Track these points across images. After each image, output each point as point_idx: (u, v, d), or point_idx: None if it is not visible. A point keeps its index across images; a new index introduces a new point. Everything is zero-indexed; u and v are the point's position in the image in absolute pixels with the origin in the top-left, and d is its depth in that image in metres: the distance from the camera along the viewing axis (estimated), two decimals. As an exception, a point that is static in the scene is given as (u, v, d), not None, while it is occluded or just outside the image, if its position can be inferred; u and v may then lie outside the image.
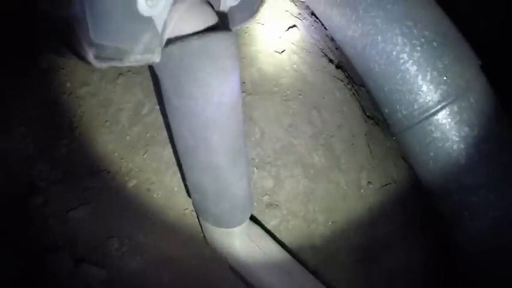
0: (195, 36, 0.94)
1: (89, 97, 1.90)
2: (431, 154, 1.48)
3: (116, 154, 1.77)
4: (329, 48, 2.43)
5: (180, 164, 1.73)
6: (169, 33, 0.95)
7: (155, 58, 0.95)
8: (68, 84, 1.97)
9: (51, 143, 1.83)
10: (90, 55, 0.79)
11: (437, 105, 1.38)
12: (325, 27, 2.44)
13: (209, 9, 1.04)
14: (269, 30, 2.27)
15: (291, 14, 2.44)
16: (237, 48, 1.02)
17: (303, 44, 2.35)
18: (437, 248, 1.89)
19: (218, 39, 0.96)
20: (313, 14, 2.50)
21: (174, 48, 0.94)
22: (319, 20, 2.48)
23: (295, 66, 2.20)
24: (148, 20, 0.88)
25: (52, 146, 1.83)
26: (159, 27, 0.93)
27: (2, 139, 1.85)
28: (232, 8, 1.17)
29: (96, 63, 0.81)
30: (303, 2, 2.52)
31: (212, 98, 1.00)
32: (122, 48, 0.85)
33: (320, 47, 2.41)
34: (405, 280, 1.89)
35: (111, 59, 0.85)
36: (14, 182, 1.76)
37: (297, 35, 2.35)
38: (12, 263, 1.59)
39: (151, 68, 1.94)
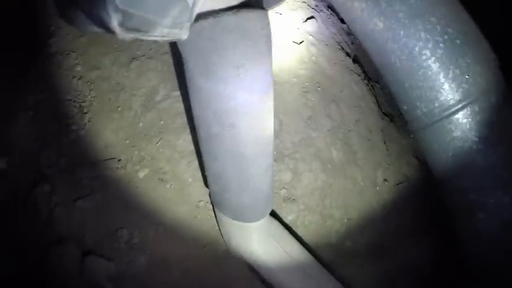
0: (230, 12, 0.86)
1: (100, 81, 1.84)
2: (450, 153, 1.43)
3: (127, 141, 1.70)
4: (345, 41, 2.38)
5: (198, 153, 1.66)
6: (200, 8, 0.87)
7: (183, 34, 0.87)
8: (78, 68, 1.91)
9: (59, 129, 1.77)
10: (115, 21, 0.70)
11: (458, 103, 1.33)
12: (342, 21, 2.39)
13: (241, -16, 0.96)
14: (287, 20, 2.20)
15: (308, 5, 2.38)
16: (271, 29, 0.94)
17: (321, 36, 2.29)
18: (447, 246, 1.84)
19: (254, 16, 0.88)
20: (329, 6, 2.45)
21: (205, 23, 0.87)
22: (336, 13, 2.43)
23: (313, 58, 2.13)
24: (180, -9, 0.80)
25: (60, 132, 1.77)
26: (190, 1, 0.85)
27: (9, 124, 1.79)
28: (261, -12, 1.10)
29: (119, 32, 0.72)
30: (319, -6, 2.46)
31: (244, 81, 0.92)
32: (149, 18, 0.77)
33: (337, 40, 2.35)
34: (416, 276, 1.83)
35: (136, 30, 0.76)
36: (21, 168, 1.70)
37: (314, 26, 2.29)
38: (18, 254, 1.54)
39: (173, 47, 1.87)
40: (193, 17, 0.89)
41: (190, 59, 0.95)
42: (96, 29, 0.85)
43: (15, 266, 1.50)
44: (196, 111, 1.07)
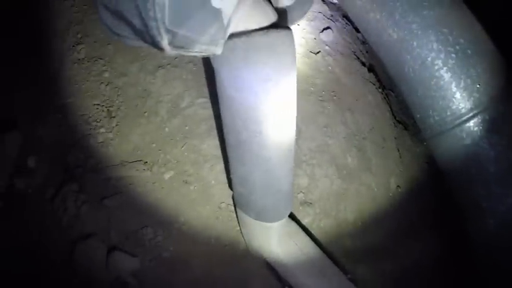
0: (261, 32, 0.96)
1: (128, 88, 1.93)
2: (462, 161, 1.48)
3: (153, 145, 1.80)
4: (360, 51, 2.44)
5: (221, 157, 1.75)
6: (233, 28, 0.96)
7: (217, 50, 0.97)
8: (106, 74, 2.00)
9: (88, 131, 1.86)
10: (165, 40, 0.81)
11: (469, 112, 1.37)
12: (357, 30, 2.46)
13: (270, 6, 1.06)
14: (304, 31, 2.28)
15: (324, 15, 2.45)
16: (295, 47, 1.03)
17: (337, 46, 2.36)
18: (457, 249, 1.89)
19: (282, 36, 0.98)
20: (344, 16, 2.52)
21: (238, 41, 0.96)
22: (351, 22, 2.50)
23: (329, 67, 2.21)
24: (218, 12, 0.90)
25: (89, 135, 1.85)
26: (225, 21, 0.94)
27: (39, 126, 1.88)
28: (287, 8, 1.19)
29: (169, 50, 0.83)
30: (335, 4, 2.53)
31: (272, 93, 1.02)
32: (191, 37, 0.87)
33: (352, 50, 2.42)
34: (424, 275, 1.89)
35: (180, 47, 0.86)
36: (49, 168, 1.79)
37: (330, 36, 2.36)
38: (46, 248, 1.61)
39: (199, 58, 1.95)
40: (227, 35, 0.98)
41: (223, 72, 1.04)
42: (141, 44, 0.95)
43: (43, 258, 1.58)
44: (227, 119, 1.16)
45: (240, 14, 0.97)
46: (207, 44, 0.93)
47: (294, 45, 1.02)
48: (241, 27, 0.97)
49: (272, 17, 1.03)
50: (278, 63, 1.00)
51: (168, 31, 0.80)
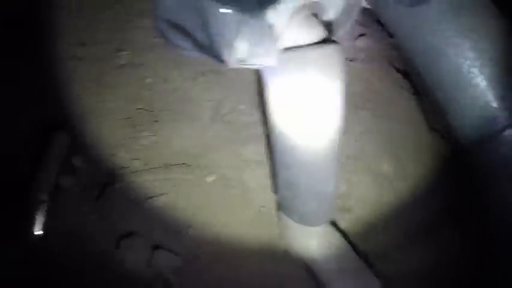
0: (311, 46, 1.02)
1: (169, 93, 2.01)
2: (498, 171, 1.47)
3: (195, 149, 1.87)
4: (394, 56, 2.45)
5: (263, 162, 1.81)
6: (285, 42, 1.02)
7: (271, 62, 1.03)
8: (148, 80, 2.09)
9: (131, 134, 1.95)
10: (230, 55, 0.88)
11: (506, 121, 1.36)
12: (390, 36, 2.47)
13: (319, 21, 1.11)
14: (340, 38, 2.31)
15: (358, 22, 2.47)
16: (344, 59, 1.09)
17: (371, 53, 2.38)
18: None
19: (332, 50, 1.04)
20: (378, 22, 2.53)
21: (291, 54, 1.02)
22: (385, 29, 2.51)
23: (364, 74, 2.24)
24: (272, 27, 0.96)
25: (133, 137, 1.94)
26: (278, 35, 1.00)
27: (84, 127, 1.97)
28: (333, 20, 1.24)
29: (231, 63, 0.90)
30: (369, 9, 2.55)
31: (324, 103, 1.07)
32: (250, 50, 0.93)
33: (386, 56, 2.43)
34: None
35: (241, 60, 0.93)
36: (95, 168, 1.87)
37: (365, 43, 2.38)
38: (92, 242, 1.68)
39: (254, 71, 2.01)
40: (280, 48, 1.04)
41: (272, 83, 1.11)
42: (200, 56, 1.02)
43: (88, 256, 1.65)
44: (277, 126, 1.22)
45: (291, 29, 1.03)
46: (263, 56, 0.99)
47: (343, 59, 1.07)
48: (292, 42, 1.03)
49: (321, 32, 1.08)
50: (327, 77, 1.05)
51: (231, 45, 0.86)
